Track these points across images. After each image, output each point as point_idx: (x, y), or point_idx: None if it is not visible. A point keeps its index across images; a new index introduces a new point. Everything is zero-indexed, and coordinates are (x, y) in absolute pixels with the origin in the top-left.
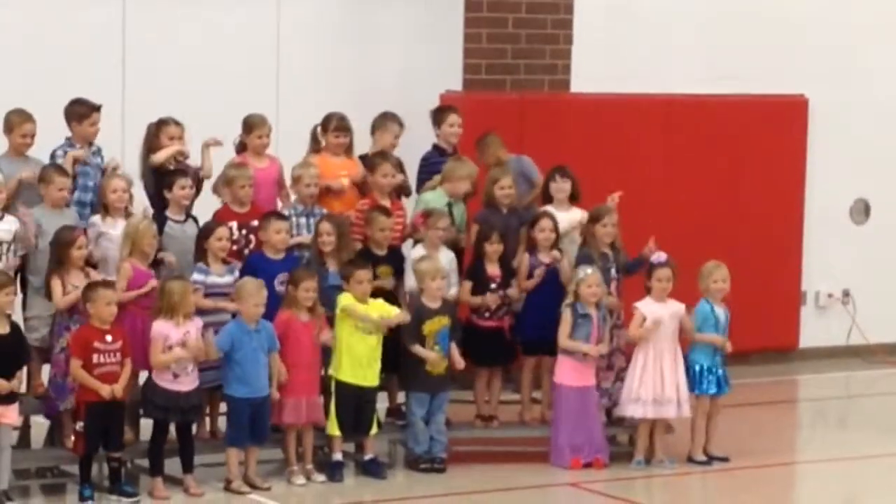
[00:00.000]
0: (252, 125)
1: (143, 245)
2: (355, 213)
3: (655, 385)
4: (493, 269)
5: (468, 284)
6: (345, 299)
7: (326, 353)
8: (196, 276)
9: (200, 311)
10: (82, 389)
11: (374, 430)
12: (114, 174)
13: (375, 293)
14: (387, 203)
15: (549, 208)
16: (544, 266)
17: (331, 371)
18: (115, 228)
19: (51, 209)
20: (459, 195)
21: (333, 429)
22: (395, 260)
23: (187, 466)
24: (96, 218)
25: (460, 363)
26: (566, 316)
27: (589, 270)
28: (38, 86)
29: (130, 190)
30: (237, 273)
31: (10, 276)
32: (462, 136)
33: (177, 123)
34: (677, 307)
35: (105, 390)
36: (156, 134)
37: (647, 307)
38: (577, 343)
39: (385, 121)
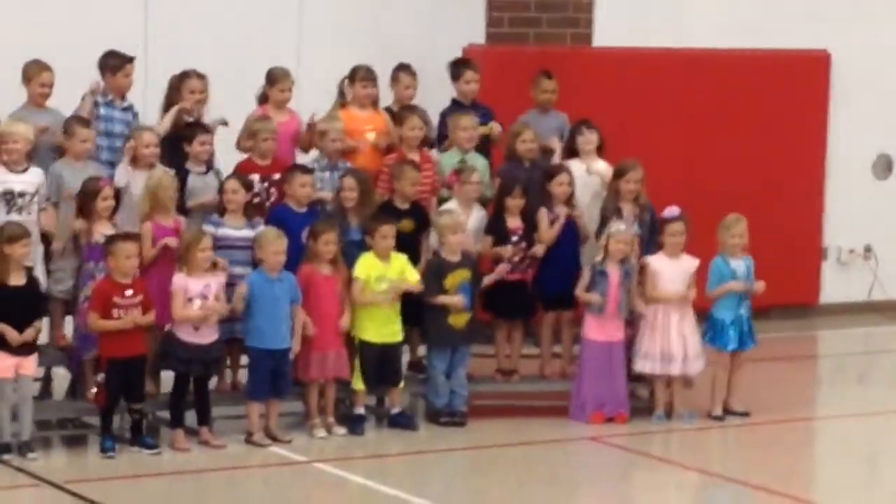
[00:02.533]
0: (275, 78)
1: (165, 199)
2: (383, 167)
3: (662, 341)
4: (514, 223)
5: (489, 239)
6: (360, 269)
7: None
8: (205, 227)
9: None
10: (104, 343)
11: (402, 383)
12: (144, 127)
13: (398, 245)
14: (415, 156)
15: (575, 161)
16: (563, 217)
17: (353, 331)
18: (141, 180)
19: (74, 161)
20: (464, 146)
21: (358, 383)
22: (419, 214)
23: (203, 419)
24: (125, 167)
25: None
26: (585, 271)
27: (622, 227)
28: (59, 37)
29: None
30: (260, 227)
31: (25, 228)
32: (483, 89)
33: (199, 76)
34: (689, 263)
35: (127, 321)
36: (177, 87)
37: (659, 262)
38: (588, 294)
39: (395, 72)
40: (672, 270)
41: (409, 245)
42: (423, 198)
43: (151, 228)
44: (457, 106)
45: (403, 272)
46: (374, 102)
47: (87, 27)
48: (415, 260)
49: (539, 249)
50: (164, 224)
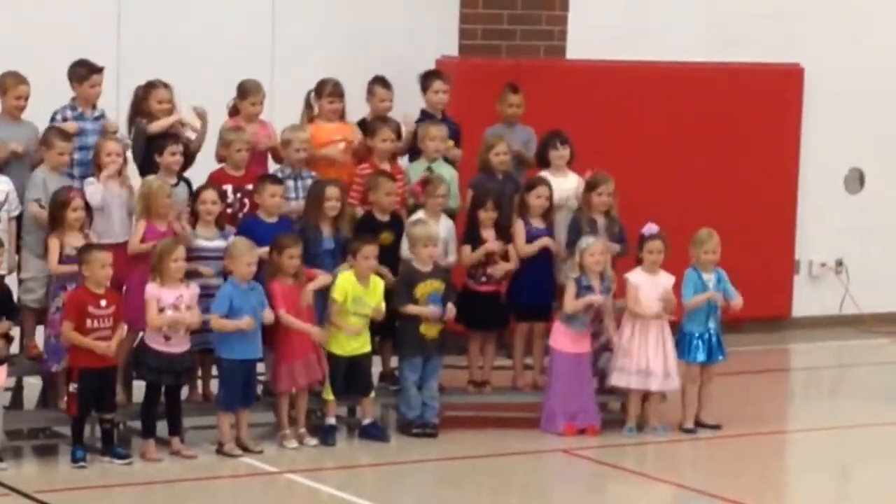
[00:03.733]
0: (247, 91)
1: (157, 206)
2: (355, 178)
3: (640, 356)
4: (488, 235)
5: (467, 248)
6: (338, 291)
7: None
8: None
9: (189, 276)
10: (75, 353)
11: (372, 393)
12: (110, 137)
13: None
14: (387, 167)
15: (545, 174)
16: (541, 242)
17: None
18: (108, 190)
19: (50, 172)
20: (432, 155)
21: (328, 393)
22: (397, 226)
23: (174, 429)
24: (92, 180)
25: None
26: (570, 287)
27: (591, 240)
28: (33, 47)
29: (125, 154)
30: (231, 238)
31: None
32: (456, 101)
33: (165, 86)
34: (667, 279)
35: (100, 347)
36: (144, 97)
37: (638, 278)
38: (584, 299)
39: (371, 85)
40: (650, 287)
41: (389, 257)
42: (396, 209)
43: (144, 226)
44: (426, 117)
45: (378, 302)
46: (342, 116)
47: (60, 39)
48: (395, 271)
49: (512, 264)
50: (157, 227)
